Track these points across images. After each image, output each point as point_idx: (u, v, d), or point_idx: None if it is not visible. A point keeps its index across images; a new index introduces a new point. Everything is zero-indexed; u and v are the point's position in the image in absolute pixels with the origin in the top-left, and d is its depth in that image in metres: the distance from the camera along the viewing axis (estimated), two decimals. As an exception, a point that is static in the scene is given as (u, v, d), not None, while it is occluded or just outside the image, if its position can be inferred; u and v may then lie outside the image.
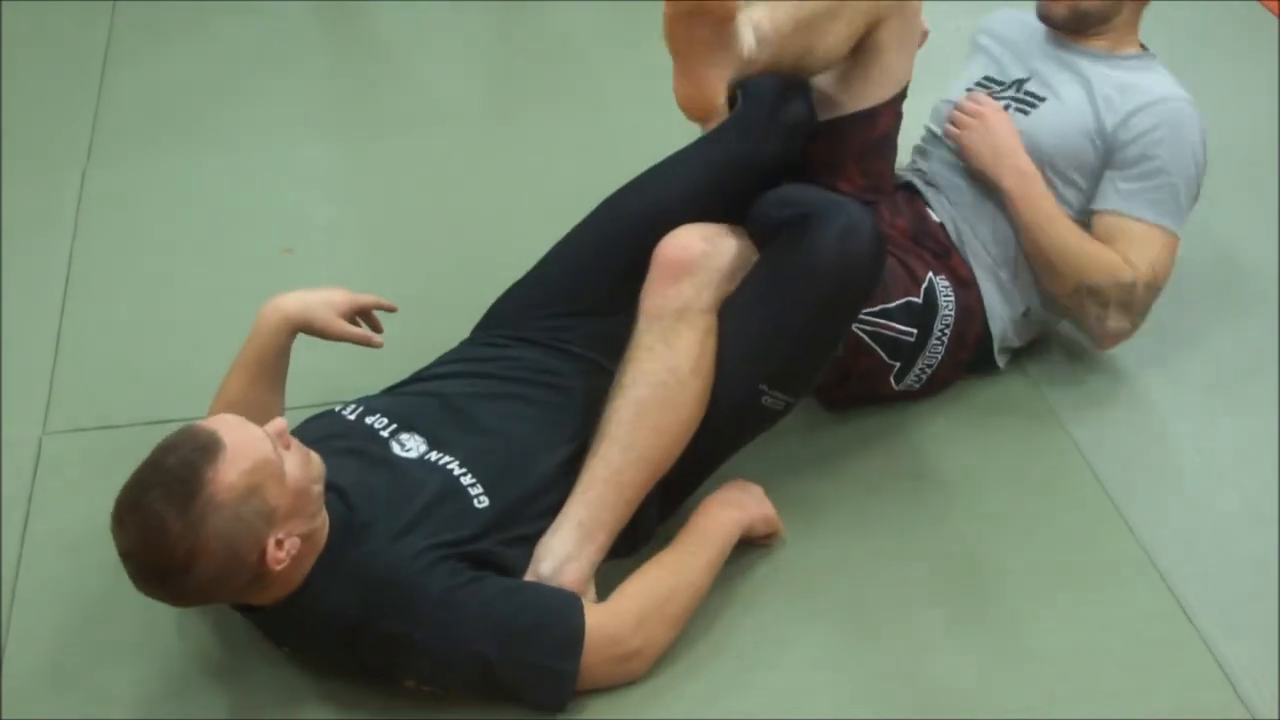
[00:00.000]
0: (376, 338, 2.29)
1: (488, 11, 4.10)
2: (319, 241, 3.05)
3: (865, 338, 2.35)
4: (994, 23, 2.76)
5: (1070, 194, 2.53)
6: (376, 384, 2.31)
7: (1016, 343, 2.60)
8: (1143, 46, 2.63)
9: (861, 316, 2.31)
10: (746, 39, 2.06)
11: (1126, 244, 2.45)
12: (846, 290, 2.13)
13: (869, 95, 2.38)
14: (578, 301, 2.32)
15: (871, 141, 2.41)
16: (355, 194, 3.25)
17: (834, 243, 2.09)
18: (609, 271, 2.29)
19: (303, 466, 1.90)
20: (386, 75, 3.79)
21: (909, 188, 2.59)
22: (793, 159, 2.37)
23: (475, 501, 2.02)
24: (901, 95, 2.42)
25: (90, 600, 2.17)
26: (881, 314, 2.35)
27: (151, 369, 2.67)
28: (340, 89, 3.72)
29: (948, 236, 2.52)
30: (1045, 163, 2.51)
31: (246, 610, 2.02)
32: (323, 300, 2.23)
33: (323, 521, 1.94)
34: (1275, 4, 3.85)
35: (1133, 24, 2.62)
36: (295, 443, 1.92)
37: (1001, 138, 2.45)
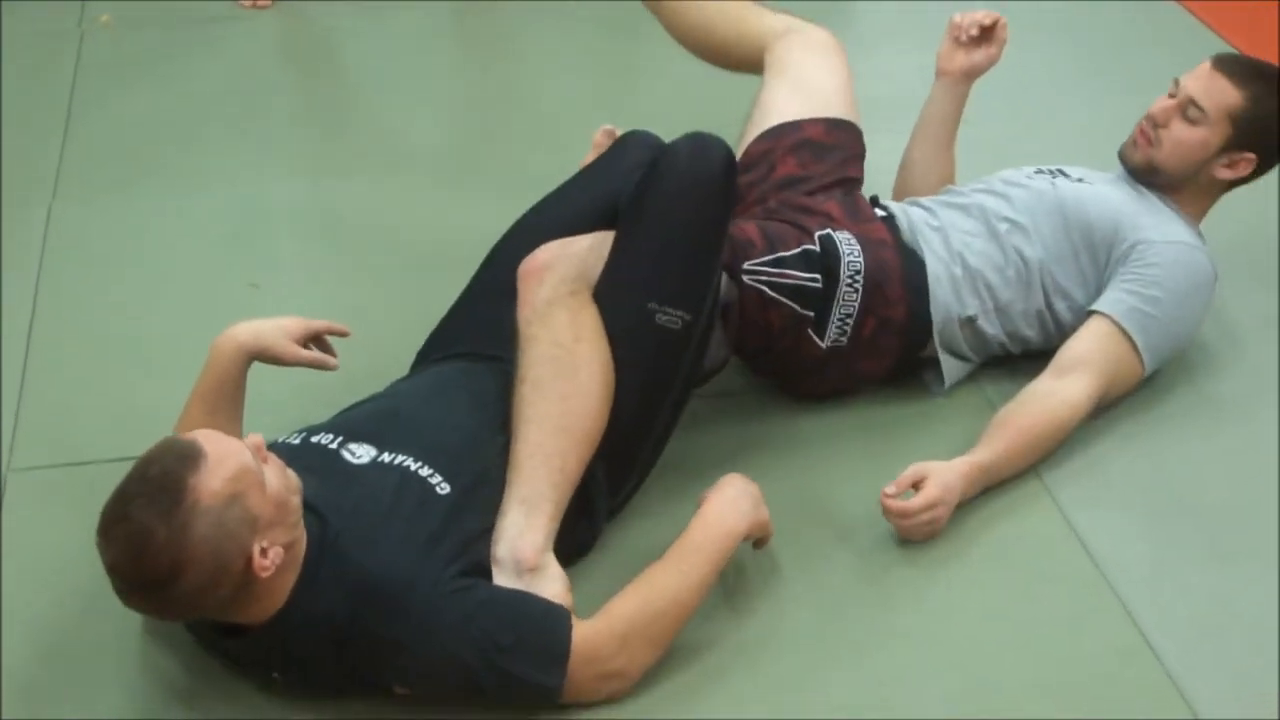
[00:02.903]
0: (332, 360, 2.34)
1: (456, 49, 4.11)
2: (285, 277, 3.05)
3: (768, 290, 2.42)
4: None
5: (1088, 267, 2.58)
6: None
7: (968, 353, 2.62)
8: (1200, 235, 2.64)
9: (757, 268, 2.41)
10: None
11: (1102, 363, 2.49)
12: (703, 191, 2.22)
13: (786, 112, 2.58)
14: (482, 336, 2.37)
15: (801, 140, 2.55)
16: (321, 231, 3.25)
17: (683, 157, 2.23)
18: (505, 305, 2.30)
19: (281, 477, 1.92)
20: (353, 113, 3.79)
21: (873, 201, 2.66)
22: None
23: (437, 489, 2.06)
24: (833, 121, 2.57)
25: (56, 636, 2.15)
26: (777, 262, 2.43)
27: (117, 405, 2.66)
28: (307, 126, 3.72)
29: (887, 224, 2.58)
30: (1083, 231, 2.57)
31: (231, 636, 2.00)
32: (276, 327, 2.26)
33: (303, 533, 1.95)
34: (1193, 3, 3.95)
35: (1201, 202, 2.65)
36: (272, 456, 1.94)
37: (959, 496, 2.34)
